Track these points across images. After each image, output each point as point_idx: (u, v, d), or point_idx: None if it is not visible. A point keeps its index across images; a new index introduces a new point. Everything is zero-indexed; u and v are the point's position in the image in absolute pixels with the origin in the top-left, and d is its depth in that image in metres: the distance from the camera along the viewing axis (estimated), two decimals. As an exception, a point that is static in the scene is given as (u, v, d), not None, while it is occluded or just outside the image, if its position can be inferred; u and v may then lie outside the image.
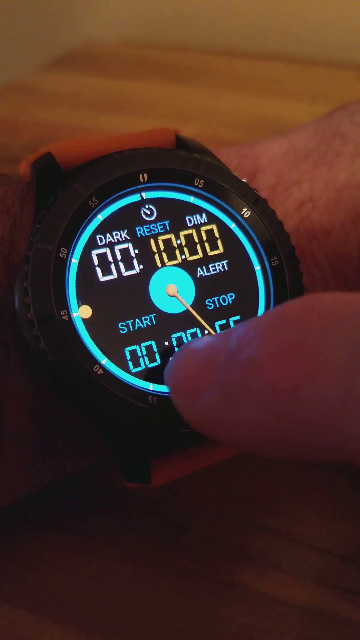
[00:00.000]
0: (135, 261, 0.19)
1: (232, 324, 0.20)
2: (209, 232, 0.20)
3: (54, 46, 0.64)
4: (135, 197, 0.20)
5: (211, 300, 0.20)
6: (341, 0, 0.60)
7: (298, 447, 0.14)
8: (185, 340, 0.19)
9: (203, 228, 0.20)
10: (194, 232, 0.20)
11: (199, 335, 0.19)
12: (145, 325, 0.19)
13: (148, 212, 0.20)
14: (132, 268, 0.19)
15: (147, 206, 0.20)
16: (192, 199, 0.20)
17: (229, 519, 0.22)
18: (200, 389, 0.15)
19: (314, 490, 0.23)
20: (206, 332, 0.19)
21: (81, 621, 0.20)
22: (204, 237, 0.20)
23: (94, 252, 0.19)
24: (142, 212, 0.20)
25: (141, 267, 0.19)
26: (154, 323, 0.19)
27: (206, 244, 0.20)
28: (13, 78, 0.57)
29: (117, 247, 0.19)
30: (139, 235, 0.19)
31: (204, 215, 0.20)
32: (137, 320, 0.19)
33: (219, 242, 0.20)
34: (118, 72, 0.58)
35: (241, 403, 0.14)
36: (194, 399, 0.15)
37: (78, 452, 0.20)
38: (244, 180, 0.21)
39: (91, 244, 0.19)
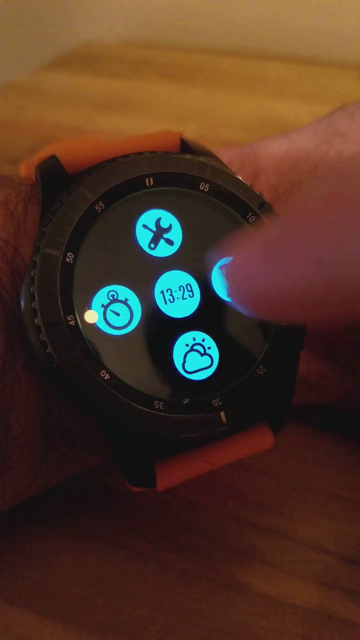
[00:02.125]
0: None
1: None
2: None
3: (54, 46, 0.64)
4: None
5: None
6: (341, 1, 0.60)
7: (345, 300, 0.13)
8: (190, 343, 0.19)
9: None
10: None
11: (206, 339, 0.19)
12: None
13: None
14: None
15: None
16: None
17: (229, 519, 0.22)
18: (255, 262, 0.14)
19: (314, 490, 0.23)
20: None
21: (81, 621, 0.20)
22: None
23: None
24: None
25: None
26: (160, 327, 0.19)
27: None
28: (13, 78, 0.57)
29: None
30: None
31: None
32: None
33: None
34: (118, 72, 0.58)
35: (290, 261, 0.13)
36: (248, 274, 0.14)
37: (82, 455, 0.20)
38: (248, 184, 0.21)
39: None
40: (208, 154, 0.21)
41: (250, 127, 0.47)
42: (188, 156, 0.20)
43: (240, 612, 0.20)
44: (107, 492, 0.23)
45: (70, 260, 0.18)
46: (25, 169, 0.21)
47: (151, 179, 0.19)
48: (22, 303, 0.18)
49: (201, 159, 0.20)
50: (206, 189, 0.20)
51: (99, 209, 0.19)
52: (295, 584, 0.21)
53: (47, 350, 0.17)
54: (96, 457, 0.21)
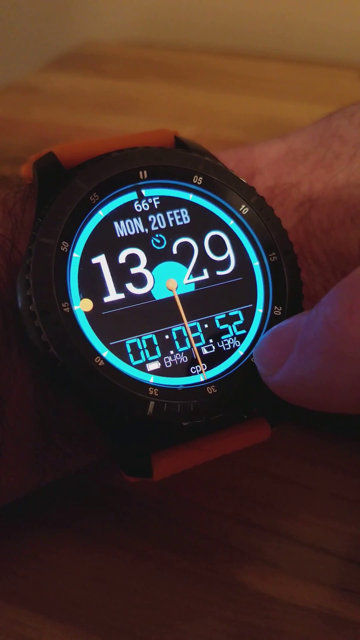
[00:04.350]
0: None
1: (231, 318, 0.20)
2: None
3: (54, 46, 0.64)
4: (135, 194, 0.20)
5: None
6: (341, 1, 0.60)
7: None
8: (185, 334, 0.19)
9: None
10: None
11: (199, 329, 0.19)
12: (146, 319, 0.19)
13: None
14: None
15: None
16: (191, 196, 0.20)
17: (229, 519, 0.22)
18: (283, 356, 0.16)
19: (314, 490, 0.23)
20: (200, 325, 0.19)
21: (81, 621, 0.20)
22: None
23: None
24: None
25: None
26: (154, 317, 0.19)
27: None
28: (13, 78, 0.57)
29: None
30: None
31: None
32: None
33: None
34: (118, 72, 0.58)
35: (319, 360, 0.15)
36: (277, 366, 0.16)
37: (79, 449, 0.20)
38: (242, 178, 0.21)
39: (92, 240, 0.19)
40: (203, 152, 0.21)
41: (250, 127, 0.47)
42: (181, 151, 0.21)
43: (240, 612, 0.20)
44: (107, 492, 0.23)
45: (65, 249, 0.18)
46: (26, 170, 0.21)
47: (145, 172, 0.20)
48: (18, 291, 0.18)
49: (194, 153, 0.21)
50: (199, 182, 0.20)
51: (93, 200, 0.19)
52: (295, 584, 0.21)
53: (41, 337, 0.17)
54: (94, 453, 0.21)
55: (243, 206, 0.20)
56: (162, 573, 0.21)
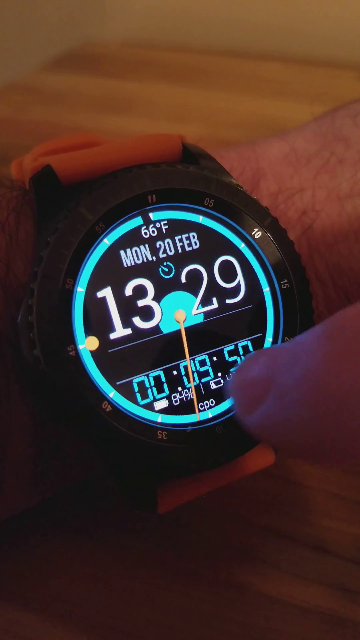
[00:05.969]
0: None
1: (240, 349, 0.19)
2: None
3: (54, 46, 0.64)
4: (140, 219, 0.19)
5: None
6: (341, 1, 0.60)
7: (353, 452, 0.14)
8: (193, 369, 0.19)
9: None
10: None
11: (208, 362, 0.19)
12: (153, 355, 0.18)
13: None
14: None
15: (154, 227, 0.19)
16: (200, 219, 0.19)
17: (229, 519, 0.22)
18: (260, 398, 0.15)
19: (314, 490, 0.23)
20: (209, 358, 0.19)
21: (81, 621, 0.20)
22: None
23: None
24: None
25: None
26: (162, 352, 0.18)
27: None
28: (13, 78, 0.57)
29: None
30: None
31: None
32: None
33: None
34: (118, 72, 0.58)
35: (297, 408, 0.14)
36: (254, 408, 0.15)
37: (77, 472, 0.20)
38: (255, 198, 0.20)
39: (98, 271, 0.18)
40: (209, 158, 0.21)
41: (250, 127, 0.47)
42: (192, 169, 0.19)
43: (240, 612, 0.20)
44: (107, 492, 0.23)
45: (69, 287, 0.17)
46: (16, 169, 0.20)
47: (154, 196, 0.18)
48: (21, 333, 0.17)
49: (205, 171, 0.19)
50: (211, 204, 0.19)
51: (99, 230, 0.18)
52: (295, 584, 0.21)
53: (47, 382, 0.17)
54: (93, 470, 0.20)
55: (256, 230, 0.19)
56: (162, 573, 0.21)
